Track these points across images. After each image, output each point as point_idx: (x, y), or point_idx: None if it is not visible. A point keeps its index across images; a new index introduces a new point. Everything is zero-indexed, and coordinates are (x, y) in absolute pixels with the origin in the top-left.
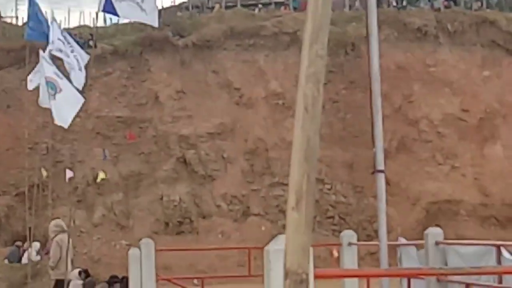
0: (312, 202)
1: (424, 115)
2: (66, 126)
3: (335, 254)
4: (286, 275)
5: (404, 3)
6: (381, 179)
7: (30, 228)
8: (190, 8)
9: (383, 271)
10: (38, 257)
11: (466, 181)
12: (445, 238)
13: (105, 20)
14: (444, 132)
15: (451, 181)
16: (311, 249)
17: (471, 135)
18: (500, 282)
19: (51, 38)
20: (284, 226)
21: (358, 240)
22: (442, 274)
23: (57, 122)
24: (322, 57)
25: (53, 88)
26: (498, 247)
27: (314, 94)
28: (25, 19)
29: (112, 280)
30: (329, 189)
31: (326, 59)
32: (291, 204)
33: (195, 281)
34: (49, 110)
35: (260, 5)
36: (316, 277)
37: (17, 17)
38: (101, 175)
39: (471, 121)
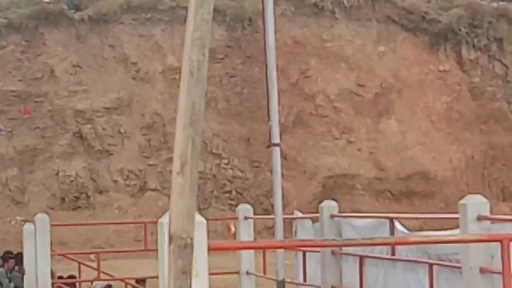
0: (197, 167)
1: (321, 90)
2: None
3: (233, 228)
4: (170, 240)
5: None
6: (276, 152)
7: None
8: None
9: (276, 243)
10: None
11: (361, 156)
12: (341, 212)
13: None
14: (340, 107)
15: (347, 155)
16: (200, 216)
17: (366, 110)
18: (393, 254)
19: None
20: None
21: (255, 214)
22: (334, 246)
23: None
24: (207, 21)
25: None
26: (391, 219)
27: (199, 59)
28: None
29: (7, 255)
30: (226, 164)
31: (211, 24)
32: (176, 169)
33: (92, 256)
34: None
35: None
36: (211, 249)
37: None
38: None
39: (366, 96)
